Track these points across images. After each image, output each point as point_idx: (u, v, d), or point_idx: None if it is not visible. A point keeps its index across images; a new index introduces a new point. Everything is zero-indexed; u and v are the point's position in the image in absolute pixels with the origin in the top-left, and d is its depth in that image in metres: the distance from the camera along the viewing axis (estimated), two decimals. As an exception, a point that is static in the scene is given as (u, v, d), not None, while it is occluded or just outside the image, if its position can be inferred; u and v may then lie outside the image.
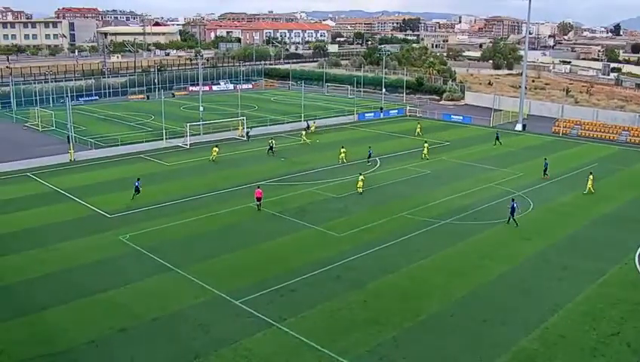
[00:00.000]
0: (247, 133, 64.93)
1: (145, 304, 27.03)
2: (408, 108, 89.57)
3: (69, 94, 67.42)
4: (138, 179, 43.72)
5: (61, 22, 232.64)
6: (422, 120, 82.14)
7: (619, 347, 23.97)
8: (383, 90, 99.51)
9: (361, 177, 45.36)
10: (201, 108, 77.23)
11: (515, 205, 38.01)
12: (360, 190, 44.73)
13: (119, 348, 23.46)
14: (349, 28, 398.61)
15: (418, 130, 68.91)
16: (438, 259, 32.54)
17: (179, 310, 26.51)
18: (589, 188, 45.20)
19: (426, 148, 57.06)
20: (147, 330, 24.82)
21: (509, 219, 37.99)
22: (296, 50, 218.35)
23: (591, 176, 45.73)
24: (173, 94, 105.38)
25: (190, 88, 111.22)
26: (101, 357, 22.92)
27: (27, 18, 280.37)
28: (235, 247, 33.89)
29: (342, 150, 55.03)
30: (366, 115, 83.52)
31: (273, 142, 58.93)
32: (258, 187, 41.73)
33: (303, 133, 65.17)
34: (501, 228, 37.77)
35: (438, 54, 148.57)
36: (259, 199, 40.58)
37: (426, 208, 41.30)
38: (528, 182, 48.56)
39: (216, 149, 55.42)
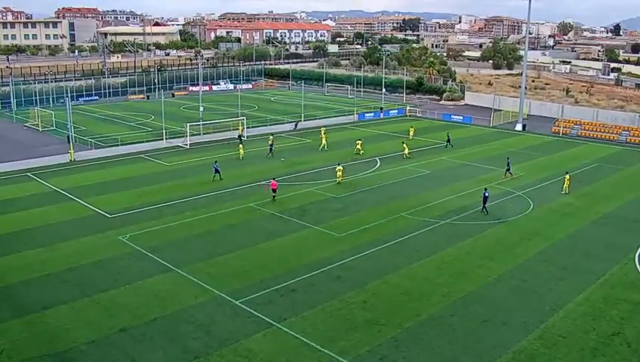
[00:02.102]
0: (239, 136, 64.60)
1: (145, 304, 27.05)
2: (408, 108, 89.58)
3: (69, 94, 67.43)
4: (216, 162, 48.91)
5: (61, 22, 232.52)
6: (422, 120, 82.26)
7: (619, 347, 23.98)
8: (383, 90, 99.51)
9: (340, 167, 47.59)
10: (201, 108, 77.24)
11: (486, 194, 40.40)
12: (339, 180, 46.77)
13: (119, 348, 23.46)
14: (349, 28, 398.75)
15: (411, 133, 67.33)
16: (438, 259, 32.55)
17: (179, 310, 26.52)
18: (566, 188, 45.13)
19: (406, 149, 57.02)
20: (147, 330, 24.83)
21: (483, 207, 40.13)
22: (296, 50, 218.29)
23: (567, 176, 45.68)
24: (173, 94, 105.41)
25: (190, 88, 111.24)
26: (101, 357, 22.92)
27: (27, 18, 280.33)
28: (235, 247, 33.91)
29: (358, 142, 58.32)
30: (366, 115, 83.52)
31: (271, 137, 60.22)
32: (274, 178, 43.53)
33: (323, 136, 63.13)
34: (501, 228, 37.78)
35: (438, 54, 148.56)
36: (274, 190, 42.21)
37: (426, 208, 41.31)
38: (528, 182, 48.57)
39: (242, 147, 56.58)
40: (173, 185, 46.93)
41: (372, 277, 29.99)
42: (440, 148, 62.41)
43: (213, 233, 36.46)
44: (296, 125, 72.94)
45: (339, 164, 48.52)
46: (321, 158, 56.23)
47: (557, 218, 39.89)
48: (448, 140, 63.00)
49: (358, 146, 58.25)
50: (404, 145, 57.81)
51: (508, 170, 49.93)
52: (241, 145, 57.02)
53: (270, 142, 58.02)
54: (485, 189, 41.22)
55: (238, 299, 27.43)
